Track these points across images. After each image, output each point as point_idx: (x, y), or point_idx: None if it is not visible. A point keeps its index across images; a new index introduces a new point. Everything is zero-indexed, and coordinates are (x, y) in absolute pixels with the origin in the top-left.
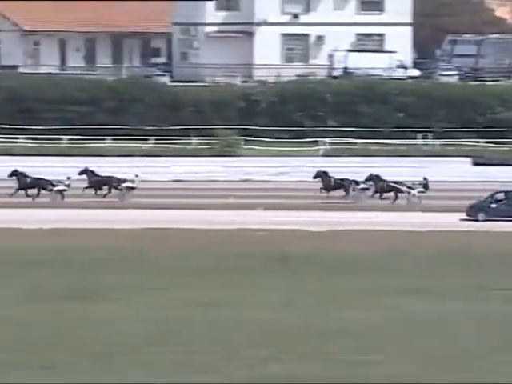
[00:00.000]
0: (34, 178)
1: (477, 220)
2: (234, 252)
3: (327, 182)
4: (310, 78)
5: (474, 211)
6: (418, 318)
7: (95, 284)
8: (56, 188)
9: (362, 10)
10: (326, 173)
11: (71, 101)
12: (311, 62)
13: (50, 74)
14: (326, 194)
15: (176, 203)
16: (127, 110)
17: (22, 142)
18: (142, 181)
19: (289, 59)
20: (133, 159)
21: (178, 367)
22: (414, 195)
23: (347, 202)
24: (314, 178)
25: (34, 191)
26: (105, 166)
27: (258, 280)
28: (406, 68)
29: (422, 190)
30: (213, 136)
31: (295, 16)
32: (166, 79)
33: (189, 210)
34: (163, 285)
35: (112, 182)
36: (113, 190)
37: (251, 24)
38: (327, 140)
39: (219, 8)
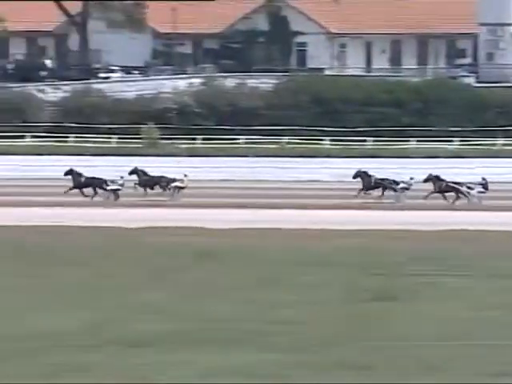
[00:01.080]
0: (88, 178)
1: None
2: None
3: (367, 181)
4: None
5: None
6: None
7: (402, 284)
8: (109, 187)
9: None
10: (365, 172)
11: (375, 102)
12: None
13: (355, 75)
14: (367, 194)
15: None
16: (431, 111)
17: (327, 144)
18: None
19: None
20: (437, 161)
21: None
22: (473, 196)
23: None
24: (354, 177)
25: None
26: (408, 168)
27: None
28: None
29: (482, 190)
30: None
31: None
32: (470, 80)
33: (485, 212)
34: (471, 285)
35: (161, 182)
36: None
37: None
38: None
39: None
